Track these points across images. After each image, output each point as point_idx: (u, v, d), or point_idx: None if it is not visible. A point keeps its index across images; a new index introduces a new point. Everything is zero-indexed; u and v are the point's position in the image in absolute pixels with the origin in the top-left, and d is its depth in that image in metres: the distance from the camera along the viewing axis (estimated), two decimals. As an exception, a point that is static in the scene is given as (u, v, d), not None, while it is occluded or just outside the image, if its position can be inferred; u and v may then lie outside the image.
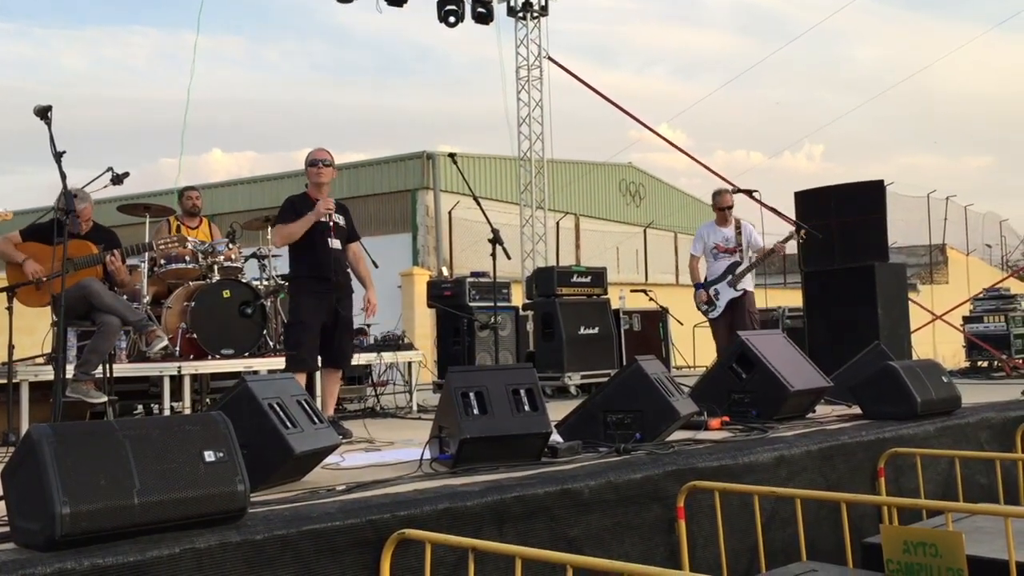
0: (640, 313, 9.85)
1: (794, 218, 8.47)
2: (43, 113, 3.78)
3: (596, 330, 8.79)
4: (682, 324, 10.76)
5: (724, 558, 3.94)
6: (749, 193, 7.69)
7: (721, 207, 8.11)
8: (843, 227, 8.24)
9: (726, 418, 5.30)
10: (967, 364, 11.40)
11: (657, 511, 3.91)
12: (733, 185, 8.04)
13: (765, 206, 7.90)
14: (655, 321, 9.97)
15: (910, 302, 8.83)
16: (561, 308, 8.59)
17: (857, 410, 5.80)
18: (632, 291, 11.12)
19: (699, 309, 8.16)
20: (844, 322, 7.88)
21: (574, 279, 8.93)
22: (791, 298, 14.25)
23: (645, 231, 22.54)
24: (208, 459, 2.82)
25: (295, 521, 2.94)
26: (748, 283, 8.00)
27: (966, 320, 11.67)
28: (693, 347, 14.38)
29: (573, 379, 8.46)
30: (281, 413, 3.59)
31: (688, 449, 4.42)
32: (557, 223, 18.34)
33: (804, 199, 8.65)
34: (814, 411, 5.85)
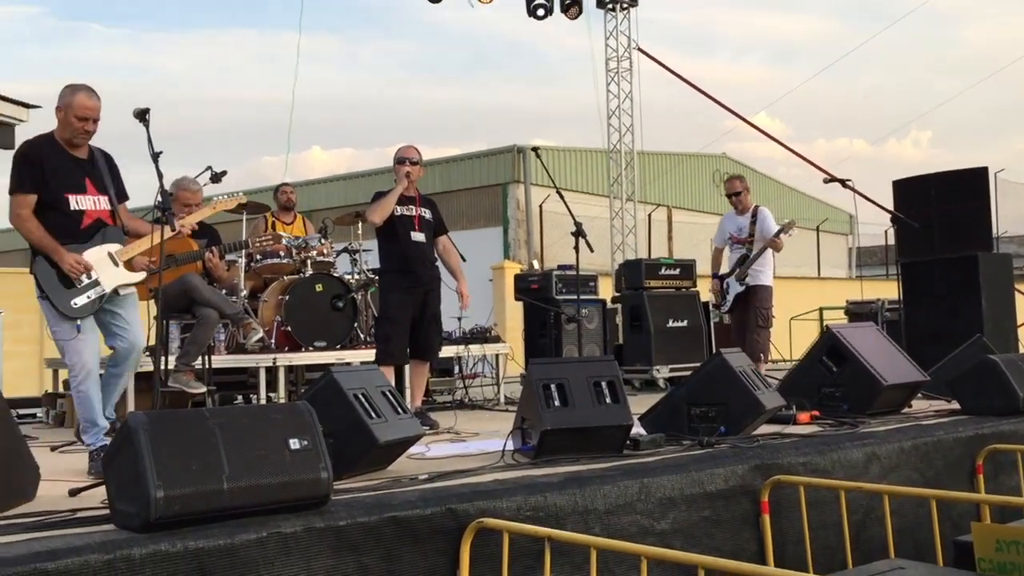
0: (731, 305, 9.67)
1: (892, 208, 8.20)
2: (141, 115, 3.96)
3: (685, 323, 8.70)
4: (775, 317, 10.54)
5: (810, 554, 3.87)
6: (843, 182, 7.44)
7: (727, 194, 7.84)
8: (944, 216, 7.94)
9: (816, 412, 5.20)
10: (1082, 358, 10.83)
11: (746, 505, 3.87)
12: (827, 174, 7.80)
13: (860, 194, 7.66)
14: (747, 314, 9.77)
15: (1019, 293, 8.46)
16: (649, 301, 8.53)
17: (956, 405, 5.60)
18: (723, 283, 10.94)
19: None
20: (944, 315, 7.59)
21: (662, 271, 8.85)
22: (892, 290, 13.80)
23: (739, 222, 22.10)
24: (293, 447, 2.92)
25: (377, 508, 3.02)
26: (761, 277, 7.50)
27: (1081, 312, 11.10)
28: (789, 340, 14.08)
29: (661, 372, 8.40)
30: (366, 404, 3.68)
31: (774, 443, 4.35)
32: (649, 215, 18.19)
33: (903, 188, 8.37)
34: (910, 406, 5.68)
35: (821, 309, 15.76)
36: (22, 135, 14.87)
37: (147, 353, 6.27)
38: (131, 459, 2.69)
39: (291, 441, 2.93)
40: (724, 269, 7.86)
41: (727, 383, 4.54)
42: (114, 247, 4.21)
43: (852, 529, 3.89)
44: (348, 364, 6.30)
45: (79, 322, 4.08)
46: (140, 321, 4.30)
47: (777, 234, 7.42)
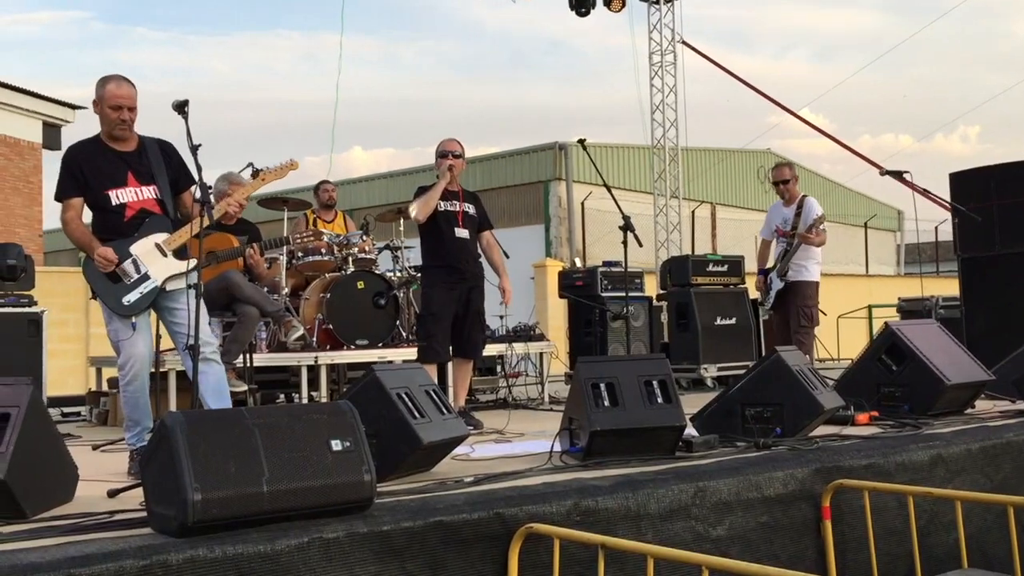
0: (780, 303, 9.43)
1: (949, 201, 7.92)
2: (180, 108, 3.85)
3: (733, 320, 8.49)
4: (825, 314, 10.29)
5: (875, 562, 3.69)
6: (898, 175, 7.19)
7: (774, 182, 7.57)
8: (1005, 210, 7.64)
9: (875, 413, 4.99)
10: None
11: (805, 511, 3.70)
12: (879, 167, 7.55)
13: (916, 188, 7.38)
14: (796, 311, 9.51)
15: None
16: (696, 298, 8.32)
17: (1022, 406, 5.36)
18: (771, 280, 10.69)
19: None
20: (1006, 311, 7.30)
21: (710, 268, 8.64)
22: (944, 287, 13.45)
23: (785, 219, 21.73)
24: (335, 448, 2.81)
25: (422, 512, 2.90)
26: (804, 272, 7.21)
27: None
28: (837, 339, 13.78)
29: (709, 371, 8.20)
30: (409, 403, 3.56)
31: (833, 445, 4.16)
32: (692, 212, 17.95)
33: (960, 180, 8.08)
34: (973, 406, 5.45)
35: (870, 307, 15.40)
36: (69, 136, 15.08)
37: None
38: (168, 460, 2.60)
39: (333, 442, 2.82)
40: (771, 263, 7.65)
41: (783, 382, 4.35)
42: (161, 237, 4.08)
43: (920, 537, 3.70)
44: (390, 362, 6.20)
45: (134, 320, 3.98)
46: (189, 311, 4.06)
47: (809, 229, 7.20)
